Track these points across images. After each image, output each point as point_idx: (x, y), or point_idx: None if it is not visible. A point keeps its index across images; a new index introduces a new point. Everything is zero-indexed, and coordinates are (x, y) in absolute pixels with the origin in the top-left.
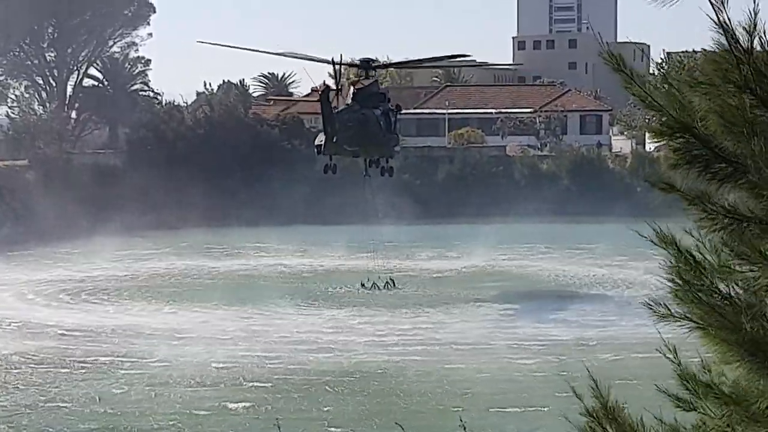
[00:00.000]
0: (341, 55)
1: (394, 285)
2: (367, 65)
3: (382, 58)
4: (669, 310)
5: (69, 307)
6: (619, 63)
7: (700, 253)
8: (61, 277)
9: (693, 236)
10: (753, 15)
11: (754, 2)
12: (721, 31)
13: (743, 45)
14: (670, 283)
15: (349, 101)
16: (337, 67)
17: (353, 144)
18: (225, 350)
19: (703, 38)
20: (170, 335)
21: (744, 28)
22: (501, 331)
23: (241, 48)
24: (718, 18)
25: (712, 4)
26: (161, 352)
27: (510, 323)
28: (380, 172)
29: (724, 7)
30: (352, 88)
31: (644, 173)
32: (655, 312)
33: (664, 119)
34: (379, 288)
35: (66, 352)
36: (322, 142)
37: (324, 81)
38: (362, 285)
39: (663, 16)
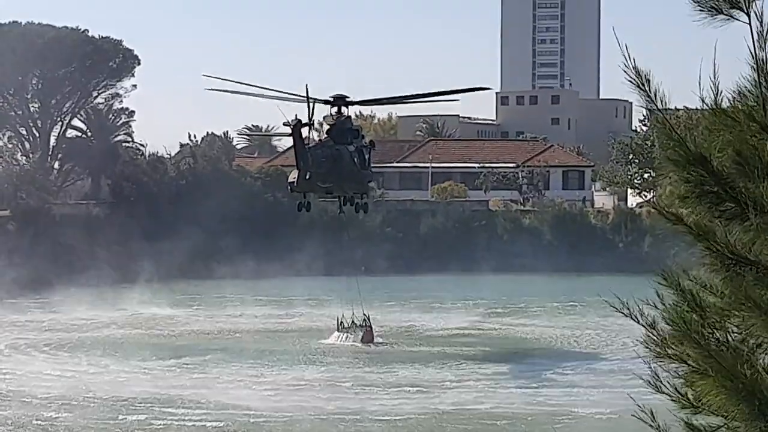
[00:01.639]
0: (306, 86)
1: (370, 321)
2: (340, 102)
3: (366, 111)
4: (666, 350)
5: None
6: (642, 83)
7: (700, 296)
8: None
9: (692, 279)
10: None
11: None
12: (755, 67)
13: None
14: (669, 324)
15: (323, 137)
16: (310, 101)
17: (327, 181)
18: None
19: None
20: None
21: None
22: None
23: (216, 89)
24: (756, 55)
25: (754, 39)
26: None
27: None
28: (355, 209)
29: (765, 46)
30: (325, 124)
31: (629, 227)
32: (651, 350)
33: (682, 150)
34: (356, 325)
35: None
36: (295, 179)
37: (296, 115)
38: (339, 324)
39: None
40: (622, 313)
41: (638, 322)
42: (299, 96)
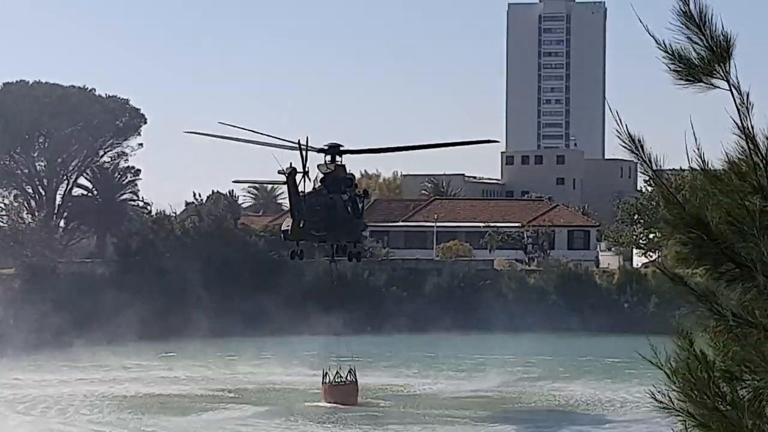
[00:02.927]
0: (307, 138)
1: (356, 376)
2: (334, 151)
3: (371, 170)
4: (672, 404)
5: None
6: (637, 148)
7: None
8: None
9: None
10: None
11: None
12: (743, 136)
13: (762, 151)
14: (678, 378)
15: (318, 185)
16: (303, 149)
17: (321, 229)
18: None
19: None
20: None
21: (766, 136)
22: None
23: (199, 134)
24: (742, 124)
25: (737, 109)
26: None
27: None
28: (348, 258)
29: (749, 114)
30: (319, 172)
31: (634, 287)
32: (658, 404)
33: (678, 212)
34: (341, 377)
35: None
36: (289, 227)
37: (290, 163)
38: (324, 375)
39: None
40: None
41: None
42: (294, 144)
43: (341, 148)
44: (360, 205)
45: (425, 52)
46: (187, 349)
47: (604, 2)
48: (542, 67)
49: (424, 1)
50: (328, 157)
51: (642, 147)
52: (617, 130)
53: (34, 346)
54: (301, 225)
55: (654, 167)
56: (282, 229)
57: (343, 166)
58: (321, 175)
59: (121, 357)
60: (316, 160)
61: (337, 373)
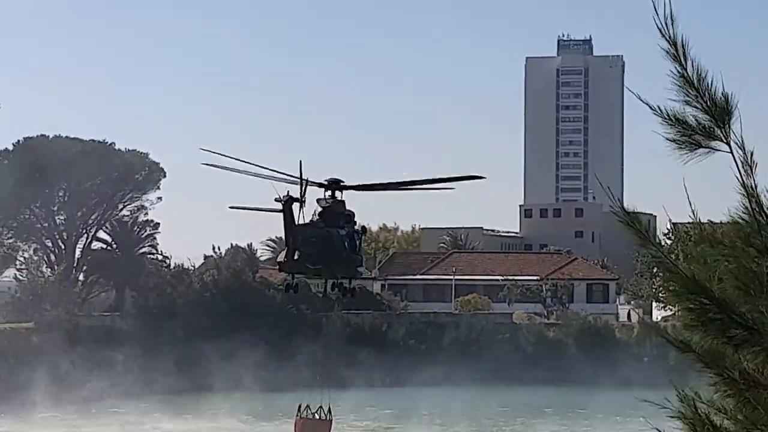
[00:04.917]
0: (300, 162)
1: (331, 415)
2: (334, 186)
3: (389, 223)
4: None
5: None
6: (633, 222)
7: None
8: None
9: (705, 403)
10: None
11: None
12: (746, 195)
13: (766, 210)
14: None
15: (315, 218)
16: (302, 178)
17: (316, 262)
18: None
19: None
20: None
21: None
22: None
23: (211, 165)
24: (744, 183)
25: (738, 170)
26: None
27: None
28: (342, 294)
29: (752, 173)
30: (318, 206)
31: (653, 340)
32: None
33: (680, 281)
34: (312, 412)
35: None
36: (284, 258)
37: (288, 191)
38: (299, 409)
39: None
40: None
41: None
42: (294, 177)
43: (341, 184)
44: (357, 241)
45: (443, 104)
46: (202, 405)
47: (622, 56)
48: (560, 120)
49: (441, 53)
50: (328, 192)
51: (638, 221)
52: (610, 205)
53: (50, 399)
54: (295, 257)
55: (653, 239)
56: (277, 260)
57: (343, 201)
58: (319, 209)
59: (141, 414)
60: (317, 194)
61: (311, 407)
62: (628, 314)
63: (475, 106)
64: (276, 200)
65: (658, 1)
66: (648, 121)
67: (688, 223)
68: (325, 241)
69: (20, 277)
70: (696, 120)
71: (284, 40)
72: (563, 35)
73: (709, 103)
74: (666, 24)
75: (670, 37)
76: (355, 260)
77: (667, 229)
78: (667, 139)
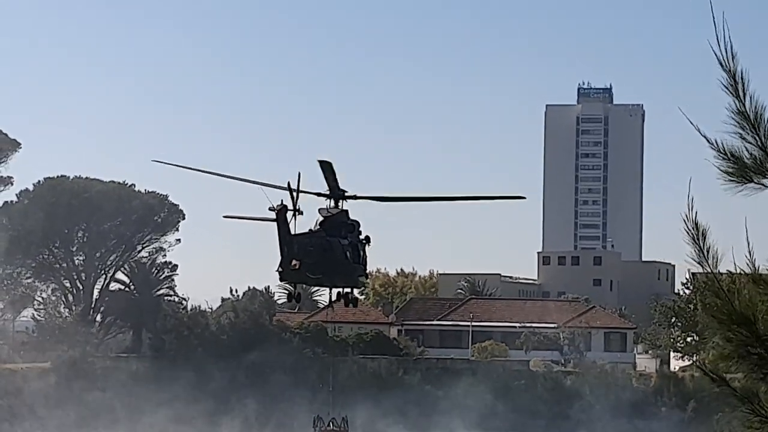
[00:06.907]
0: (299, 174)
1: (348, 426)
2: (337, 195)
3: (407, 268)
4: None
5: None
6: (696, 235)
7: None
8: None
9: None
10: None
11: None
12: None
13: None
14: None
15: (316, 228)
16: (293, 186)
17: (316, 271)
18: None
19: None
20: None
21: None
22: None
23: (192, 169)
24: None
25: None
26: None
27: None
28: (344, 303)
29: None
30: (319, 215)
31: (671, 390)
32: None
33: (725, 309)
34: (336, 423)
35: None
36: (280, 268)
37: (281, 200)
38: (315, 421)
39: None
40: None
41: None
42: (294, 189)
43: (345, 194)
44: (361, 251)
45: (463, 150)
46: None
47: (642, 105)
48: (579, 168)
49: (462, 100)
50: (331, 202)
51: (704, 237)
52: (684, 216)
53: None
54: (291, 264)
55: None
56: (276, 269)
57: (346, 211)
58: (321, 218)
59: None
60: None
61: (333, 419)
62: (634, 362)
63: (496, 153)
64: (270, 209)
65: (719, 31)
66: (667, 170)
67: (707, 273)
68: (325, 250)
69: (38, 317)
70: (750, 154)
71: (304, 87)
72: (584, 83)
73: (764, 139)
74: (726, 56)
75: (729, 70)
76: (357, 269)
77: (686, 279)
78: (719, 169)
